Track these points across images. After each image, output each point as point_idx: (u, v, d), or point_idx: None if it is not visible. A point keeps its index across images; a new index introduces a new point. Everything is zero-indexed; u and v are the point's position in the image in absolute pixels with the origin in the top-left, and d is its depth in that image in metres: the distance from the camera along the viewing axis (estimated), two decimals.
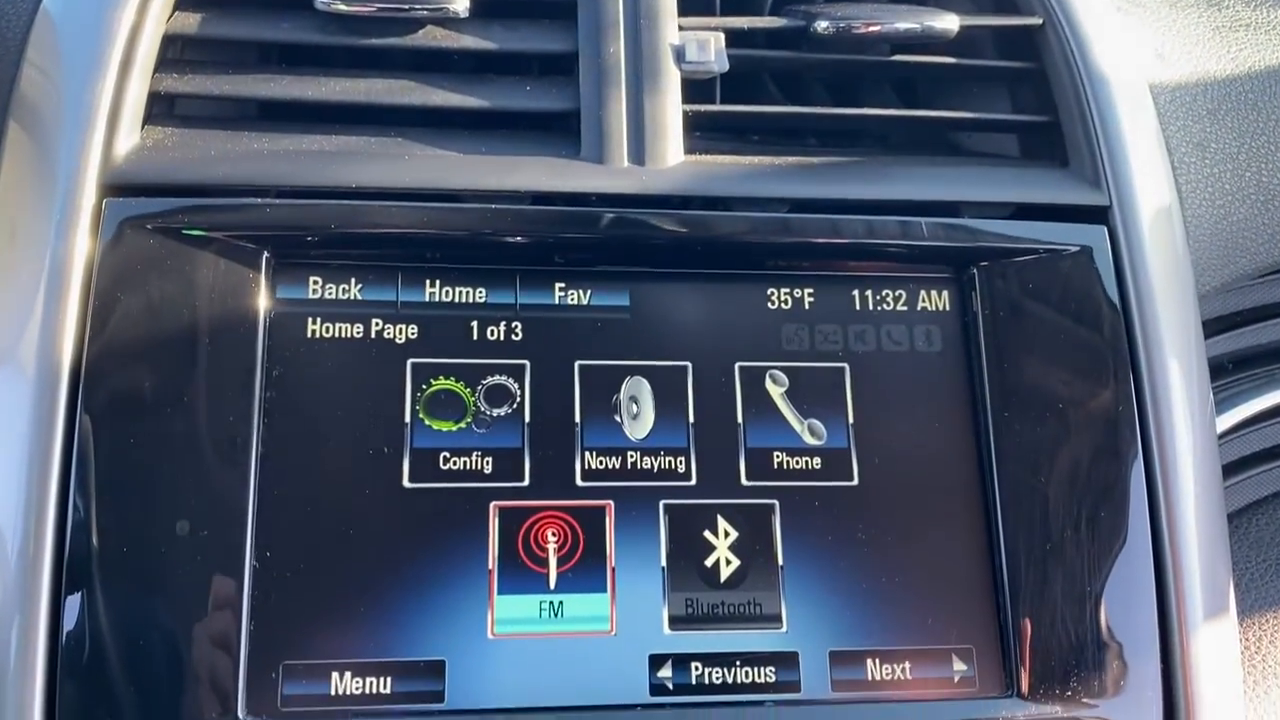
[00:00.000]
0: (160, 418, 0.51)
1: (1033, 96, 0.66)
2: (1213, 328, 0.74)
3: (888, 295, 0.60)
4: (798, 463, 0.57)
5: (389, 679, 0.51)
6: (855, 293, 0.60)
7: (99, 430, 0.51)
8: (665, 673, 0.53)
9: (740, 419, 0.57)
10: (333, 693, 0.50)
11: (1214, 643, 0.56)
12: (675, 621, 0.54)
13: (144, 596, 0.49)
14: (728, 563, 0.55)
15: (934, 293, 0.60)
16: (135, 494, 0.50)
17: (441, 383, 0.55)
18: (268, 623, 0.50)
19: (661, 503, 0.55)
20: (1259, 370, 0.74)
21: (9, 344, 0.52)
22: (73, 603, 0.49)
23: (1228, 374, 0.74)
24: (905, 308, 0.60)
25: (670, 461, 0.56)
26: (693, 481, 0.56)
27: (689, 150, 0.60)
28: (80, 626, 0.49)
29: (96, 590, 0.49)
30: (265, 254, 0.55)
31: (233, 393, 0.52)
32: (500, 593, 0.53)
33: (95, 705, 0.48)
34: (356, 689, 0.51)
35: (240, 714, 0.49)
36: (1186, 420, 0.58)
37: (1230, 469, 0.73)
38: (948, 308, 0.60)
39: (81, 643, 0.49)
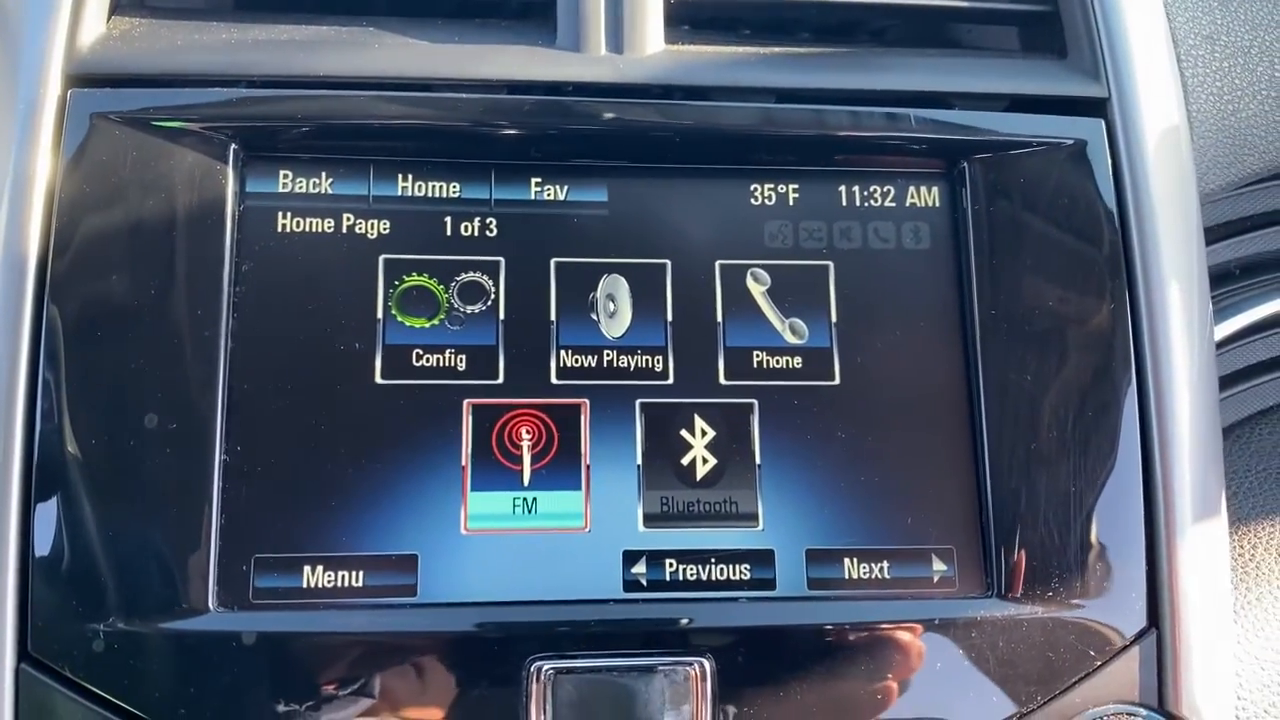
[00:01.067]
0: (128, 312, 0.51)
1: None
2: (1220, 233, 0.72)
3: (875, 191, 0.58)
4: (778, 362, 0.55)
5: (361, 573, 0.51)
6: (841, 188, 0.58)
7: (66, 325, 0.50)
8: (639, 569, 0.53)
9: (720, 318, 0.55)
10: (305, 585, 0.50)
11: (1202, 548, 0.54)
12: (650, 519, 0.53)
13: (113, 489, 0.49)
14: (704, 461, 0.54)
15: (923, 189, 0.58)
16: (103, 387, 0.50)
17: (414, 279, 0.54)
18: (238, 516, 0.50)
19: (638, 401, 0.54)
20: (1266, 277, 0.71)
21: None
22: (43, 495, 0.49)
23: (1234, 280, 0.72)
24: (893, 204, 0.58)
25: (647, 360, 0.55)
26: (670, 380, 0.55)
27: (670, 40, 0.58)
28: (51, 521, 0.49)
29: (66, 483, 0.49)
30: (234, 146, 0.53)
31: (201, 287, 0.52)
32: (474, 489, 0.52)
33: (67, 599, 0.48)
34: (329, 582, 0.51)
35: (211, 606, 0.49)
36: (1182, 322, 0.56)
37: (1234, 378, 0.71)
38: (937, 204, 0.58)
39: (52, 537, 0.49)
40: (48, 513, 0.49)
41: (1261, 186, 0.71)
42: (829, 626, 0.51)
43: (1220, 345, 0.70)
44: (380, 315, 0.54)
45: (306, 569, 0.51)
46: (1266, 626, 0.60)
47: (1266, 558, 0.62)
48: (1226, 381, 0.71)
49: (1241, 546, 0.62)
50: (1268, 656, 0.59)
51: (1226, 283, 0.71)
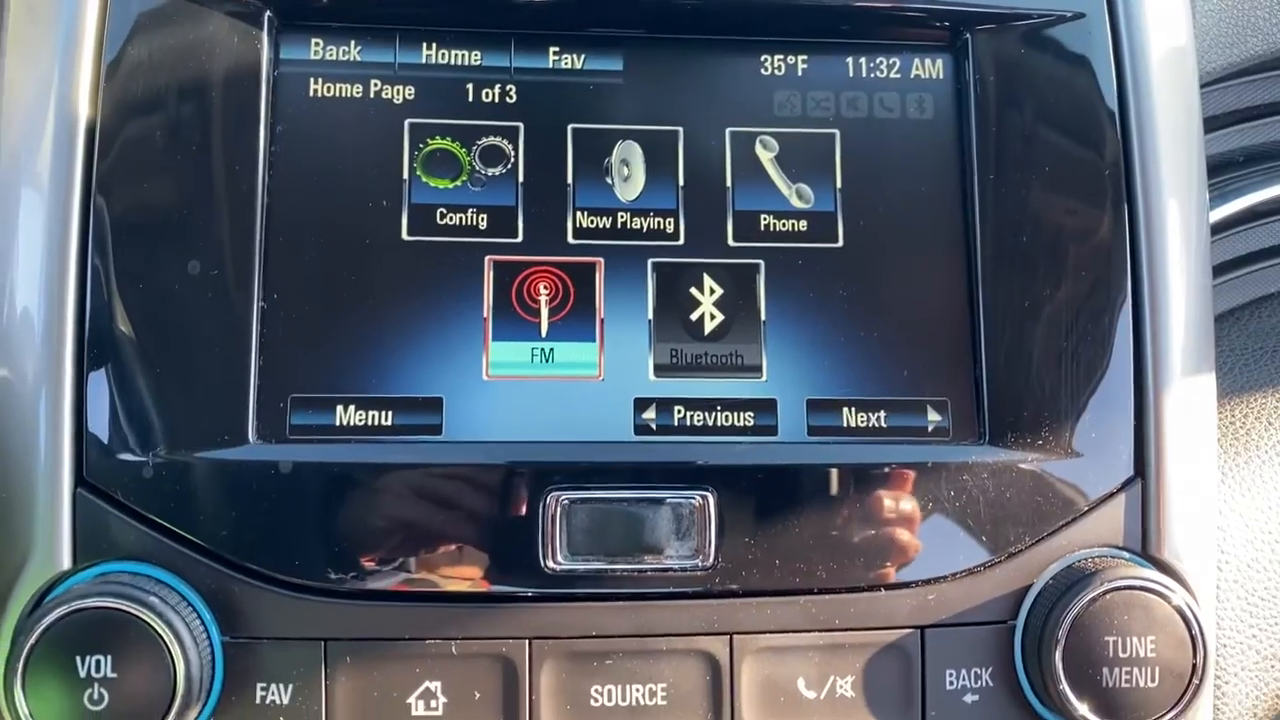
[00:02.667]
0: (170, 168, 0.54)
1: None
2: (1225, 120, 0.73)
3: (881, 63, 0.60)
4: (784, 225, 0.58)
5: (390, 413, 0.55)
6: (849, 60, 0.60)
7: (115, 178, 0.54)
8: (649, 415, 0.56)
9: (729, 183, 0.58)
10: (337, 423, 0.54)
11: (1188, 403, 0.57)
12: (660, 370, 0.56)
13: (159, 331, 0.53)
14: (712, 317, 0.57)
15: (928, 61, 0.60)
16: (150, 237, 0.53)
17: (438, 142, 0.57)
18: (275, 358, 0.54)
19: (650, 260, 0.57)
20: (1269, 165, 0.73)
21: (30, 105, 0.55)
22: (95, 337, 0.53)
23: (1238, 167, 0.73)
24: (899, 75, 0.60)
25: (659, 222, 0.58)
26: (681, 241, 0.58)
27: None
28: (102, 360, 0.53)
29: (115, 325, 0.53)
30: (268, 14, 0.56)
31: (239, 145, 0.55)
32: (494, 339, 0.56)
33: (119, 431, 0.52)
34: (360, 420, 0.54)
35: (251, 439, 0.53)
36: (1175, 180, 0.58)
37: (1234, 264, 0.73)
38: (941, 76, 0.60)
39: (105, 375, 0.53)
40: (99, 352, 0.53)
41: (1265, 76, 0.72)
42: (826, 466, 0.54)
43: (1221, 229, 0.72)
44: (406, 176, 0.57)
45: (339, 408, 0.54)
46: (1253, 487, 0.62)
47: (1256, 425, 0.64)
48: (1227, 266, 0.73)
49: (1233, 415, 0.65)
50: (1253, 515, 0.62)
51: (1229, 170, 0.73)
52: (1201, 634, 0.53)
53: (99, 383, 0.53)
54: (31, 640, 0.49)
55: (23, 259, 0.53)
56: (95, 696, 0.49)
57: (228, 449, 0.52)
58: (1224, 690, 0.60)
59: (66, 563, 0.52)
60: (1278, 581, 0.62)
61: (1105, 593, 0.53)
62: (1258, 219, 0.73)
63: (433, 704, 0.52)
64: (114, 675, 0.49)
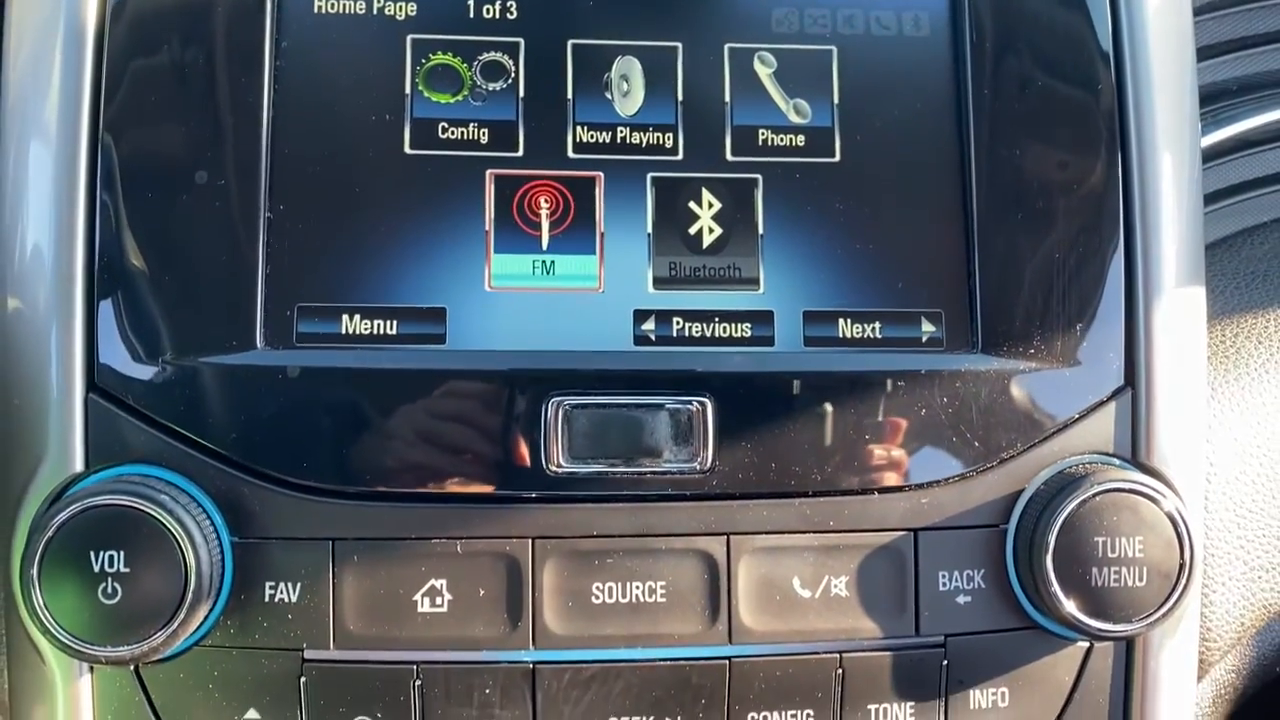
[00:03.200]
0: (178, 83, 0.55)
1: None
2: (1219, 49, 0.74)
3: None
4: (782, 140, 0.59)
5: (394, 322, 0.56)
6: None
7: (125, 87, 0.55)
8: (648, 326, 0.57)
9: (728, 98, 0.59)
10: (343, 331, 0.55)
11: (1179, 316, 0.58)
12: (659, 282, 0.57)
13: (168, 239, 0.54)
14: (710, 231, 0.58)
15: None
16: (156, 145, 0.54)
17: (439, 58, 0.58)
18: (282, 268, 0.55)
19: (649, 175, 0.58)
20: (1264, 93, 0.74)
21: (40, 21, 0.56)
22: (105, 243, 0.54)
23: (1231, 96, 0.74)
24: None
25: (658, 137, 0.58)
26: (679, 156, 0.58)
27: None
28: (112, 267, 0.54)
29: (124, 233, 0.54)
30: None
31: (244, 60, 0.56)
32: (496, 251, 0.57)
33: (128, 338, 0.53)
34: (365, 329, 0.55)
35: (259, 345, 0.54)
36: (1167, 97, 0.59)
37: (1225, 193, 0.74)
38: None
39: (114, 282, 0.54)
40: (109, 258, 0.54)
41: (1260, 6, 0.73)
42: (821, 373, 0.55)
43: (1212, 158, 0.72)
44: (408, 91, 0.57)
45: (344, 317, 0.55)
46: (1242, 403, 0.63)
47: (1246, 344, 0.65)
48: (1219, 195, 0.74)
49: (1223, 336, 0.66)
50: (1241, 429, 0.63)
51: (1223, 98, 0.74)
52: (1189, 535, 0.54)
53: (110, 290, 0.54)
54: (47, 536, 0.50)
55: (33, 169, 0.54)
56: (109, 591, 0.50)
57: (236, 354, 0.54)
58: (1211, 600, 0.62)
59: (79, 466, 0.53)
60: (1265, 494, 0.63)
61: (1095, 495, 0.54)
62: (1249, 147, 0.73)
63: (438, 601, 0.54)
64: (126, 570, 0.50)
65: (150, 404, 0.53)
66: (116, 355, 0.53)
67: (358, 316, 0.56)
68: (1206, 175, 0.72)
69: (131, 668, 0.53)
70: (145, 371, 0.53)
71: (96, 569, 0.50)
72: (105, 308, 0.54)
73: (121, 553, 0.50)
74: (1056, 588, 0.54)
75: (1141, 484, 0.54)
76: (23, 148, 0.55)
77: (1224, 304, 0.68)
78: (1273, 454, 0.63)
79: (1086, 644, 0.57)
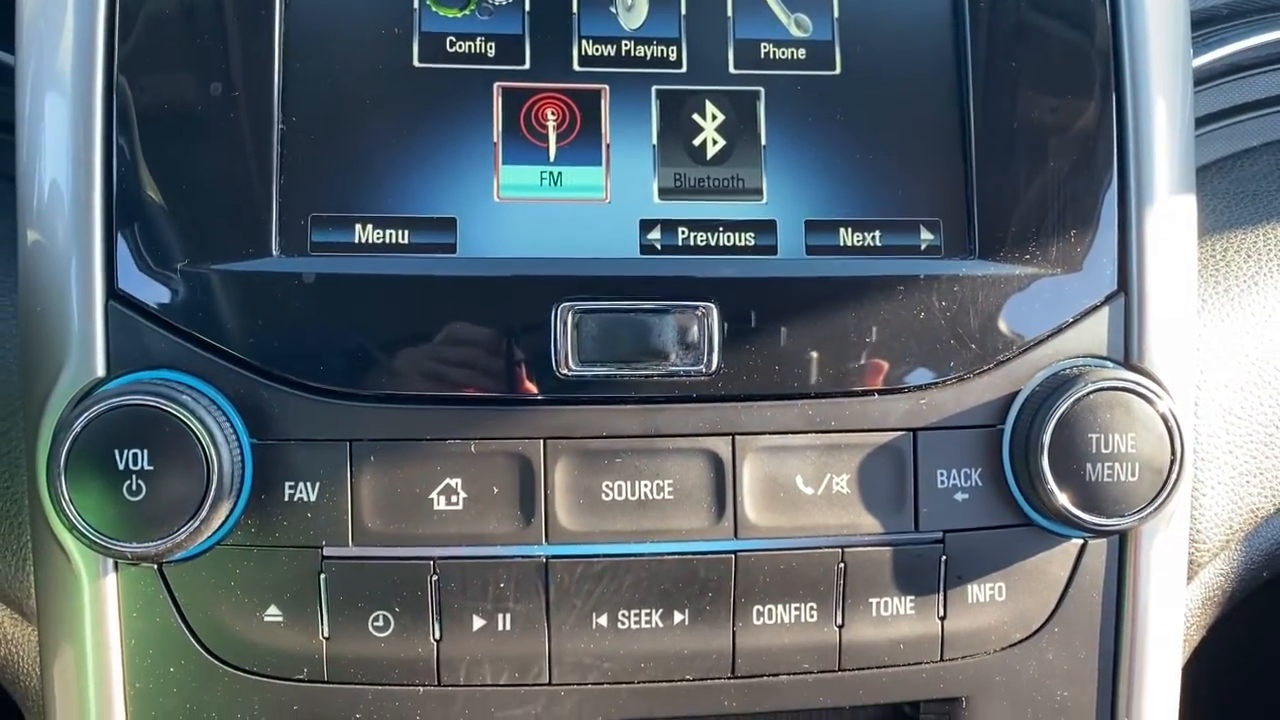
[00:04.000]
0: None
1: None
2: None
3: None
4: (783, 53, 0.60)
5: (406, 232, 0.57)
6: None
7: (137, 9, 0.56)
8: (654, 235, 0.58)
9: (730, 12, 0.60)
10: (356, 241, 0.56)
11: (1170, 224, 0.60)
12: (664, 193, 0.59)
13: (187, 151, 0.55)
14: (714, 142, 0.59)
15: None
16: (170, 60, 0.55)
17: None
18: (296, 179, 0.56)
19: (654, 88, 0.59)
20: (1253, 17, 0.75)
21: None
22: (122, 150, 0.55)
23: (1221, 21, 0.75)
24: None
25: (663, 50, 0.60)
26: (683, 69, 0.60)
27: None
28: (130, 174, 0.55)
29: (141, 141, 0.55)
30: None
31: None
32: (505, 163, 0.58)
33: (148, 246, 0.54)
34: (377, 238, 0.57)
35: (275, 253, 0.55)
36: (1160, 17, 0.60)
37: (1217, 116, 0.75)
38: None
39: (132, 190, 0.55)
40: (128, 171, 0.55)
41: None
42: (823, 279, 0.57)
43: (1202, 82, 0.74)
44: (416, 5, 0.58)
45: (357, 227, 0.56)
46: (1232, 314, 0.65)
47: (1236, 258, 0.67)
48: (1208, 119, 0.75)
49: (1214, 251, 0.67)
50: (1232, 337, 0.64)
51: (1213, 23, 0.75)
52: (1179, 431, 0.56)
53: (129, 200, 0.55)
54: (73, 434, 0.51)
55: (50, 75, 0.55)
56: (133, 488, 0.52)
57: (252, 261, 0.55)
58: (1201, 503, 0.64)
59: (101, 371, 0.55)
60: (1254, 401, 0.65)
61: (1089, 393, 0.55)
62: (1239, 71, 0.75)
63: (453, 499, 0.55)
64: (150, 468, 0.52)
65: (169, 310, 0.55)
66: (136, 263, 0.55)
67: (370, 226, 0.57)
68: (1197, 99, 0.73)
69: (155, 567, 0.55)
70: (164, 279, 0.55)
71: (121, 467, 0.52)
72: (125, 217, 0.55)
73: (145, 451, 0.52)
74: (1051, 483, 0.55)
75: (1134, 382, 0.56)
76: (45, 50, 0.56)
77: (1214, 221, 0.70)
78: (1260, 362, 0.65)
79: (1081, 541, 0.59)
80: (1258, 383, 0.65)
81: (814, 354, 0.56)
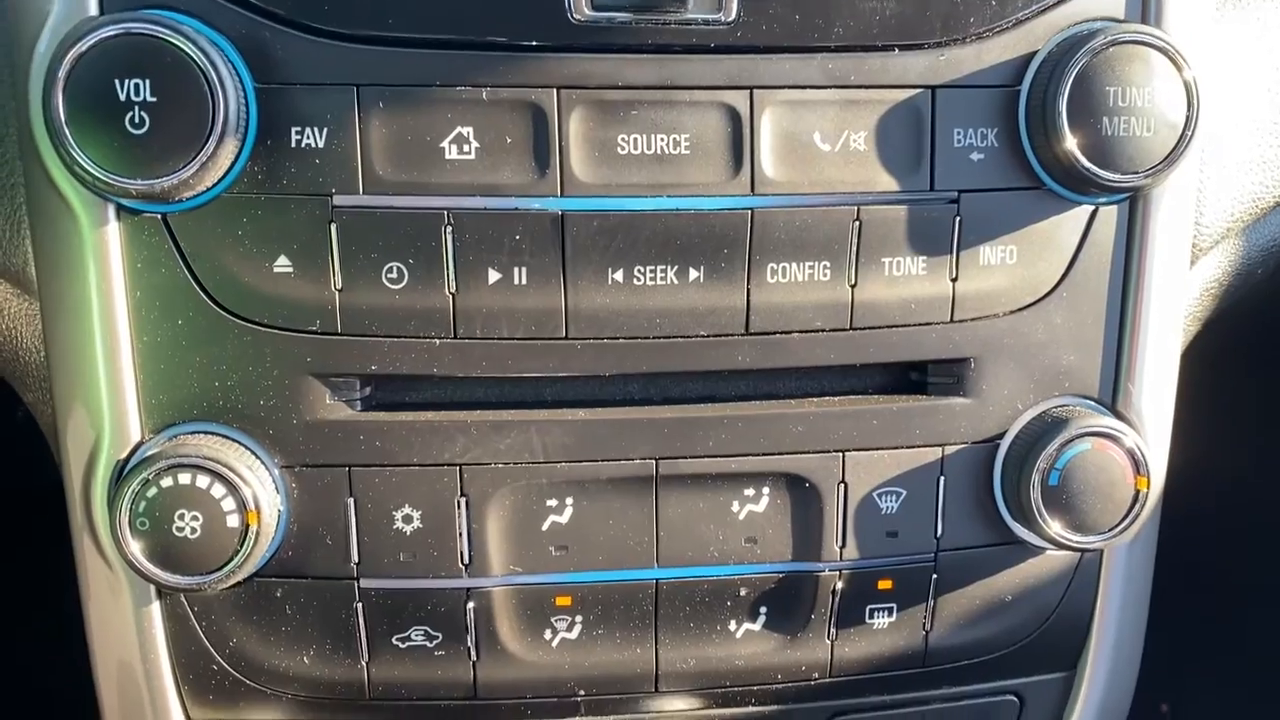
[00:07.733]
0: None
1: None
2: None
3: None
4: None
5: None
6: None
7: None
8: None
9: None
10: None
11: None
12: None
13: None
14: None
15: None
16: None
17: None
18: None
19: None
20: None
21: None
22: None
23: None
24: None
25: None
26: None
27: None
28: None
29: None
30: None
31: None
32: None
33: None
34: None
35: None
36: None
37: None
38: None
39: None
40: None
41: None
42: None
43: None
44: None
45: None
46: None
47: None
48: None
49: None
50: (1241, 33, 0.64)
51: None
52: (1195, 87, 0.56)
53: None
54: (67, 65, 0.49)
55: None
56: (136, 120, 0.50)
57: None
58: (1204, 187, 0.64)
59: (94, 10, 0.52)
60: (1260, 88, 0.65)
61: (1108, 46, 0.55)
62: None
63: (465, 148, 0.54)
64: (153, 99, 0.50)
65: None
66: None
67: None
68: None
69: (160, 216, 0.54)
70: None
71: (123, 97, 0.50)
72: None
73: (147, 81, 0.50)
74: (1068, 133, 0.55)
75: (1153, 35, 0.56)
76: None
77: None
78: (1274, 54, 0.65)
79: (1091, 207, 0.59)
80: (1266, 71, 0.64)
81: (834, 5, 0.55)
